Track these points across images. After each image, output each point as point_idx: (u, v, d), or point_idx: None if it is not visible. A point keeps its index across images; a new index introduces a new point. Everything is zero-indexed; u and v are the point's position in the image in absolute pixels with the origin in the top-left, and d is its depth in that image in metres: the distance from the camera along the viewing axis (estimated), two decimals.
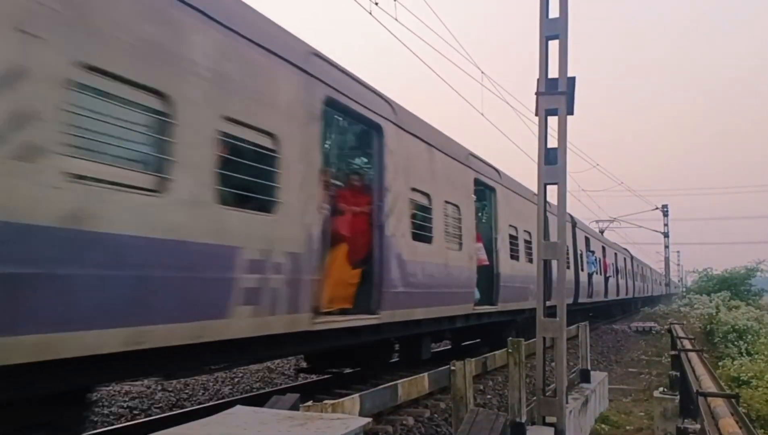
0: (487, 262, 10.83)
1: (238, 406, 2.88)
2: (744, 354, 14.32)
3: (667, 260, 55.46)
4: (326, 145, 7.27)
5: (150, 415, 8.06)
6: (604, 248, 26.47)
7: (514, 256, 12.35)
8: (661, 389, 9.70)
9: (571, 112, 6.84)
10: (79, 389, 4.28)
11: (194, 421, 2.77)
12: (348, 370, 9.50)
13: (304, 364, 9.74)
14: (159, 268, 4.04)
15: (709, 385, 6.52)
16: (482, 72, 14.28)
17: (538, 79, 6.90)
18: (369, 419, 2.72)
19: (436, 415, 7.79)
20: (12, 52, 3.25)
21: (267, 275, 4.96)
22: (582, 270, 19.62)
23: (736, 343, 16.30)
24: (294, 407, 3.18)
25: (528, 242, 13.42)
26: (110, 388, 9.47)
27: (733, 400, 5.63)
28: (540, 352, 6.79)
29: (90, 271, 3.58)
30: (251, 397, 8.26)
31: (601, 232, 38.12)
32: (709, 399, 5.68)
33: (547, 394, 6.80)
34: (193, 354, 4.45)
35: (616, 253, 30.60)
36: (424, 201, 8.26)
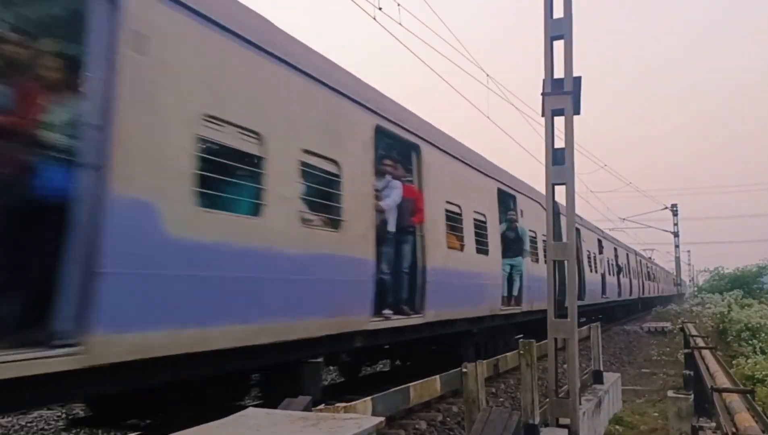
0: None
1: (251, 408, 2.88)
2: (758, 352, 14.17)
3: (677, 260, 55.22)
4: None
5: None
6: (599, 241, 23.31)
7: (456, 246, 9.49)
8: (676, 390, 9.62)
9: (577, 112, 6.83)
10: None
11: (207, 423, 2.78)
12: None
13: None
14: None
15: (723, 382, 6.46)
16: (487, 75, 14.31)
17: (543, 80, 6.89)
18: (382, 418, 2.71)
19: (448, 419, 7.77)
20: None
21: None
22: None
23: (749, 341, 16.12)
24: (306, 409, 3.18)
25: (482, 227, 10.66)
26: None
27: (748, 396, 5.59)
28: (552, 353, 6.75)
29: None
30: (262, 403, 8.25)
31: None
32: (724, 395, 5.63)
33: (560, 395, 6.75)
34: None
35: (615, 248, 27.15)
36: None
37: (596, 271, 21.83)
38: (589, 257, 20.10)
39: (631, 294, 30.69)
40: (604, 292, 22.46)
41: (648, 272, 41.29)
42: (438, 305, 8.54)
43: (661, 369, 15.16)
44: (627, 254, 31.28)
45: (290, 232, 5.68)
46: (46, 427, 7.79)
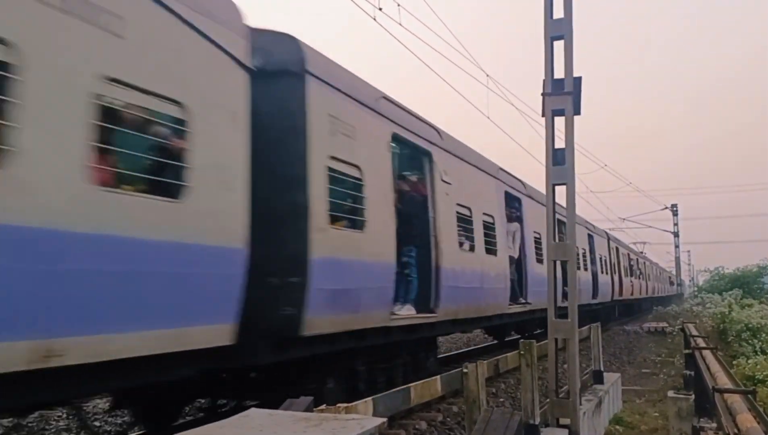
0: None
1: (253, 409, 2.88)
2: (759, 352, 14.18)
3: (677, 260, 55.28)
4: None
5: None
6: (517, 200, 12.84)
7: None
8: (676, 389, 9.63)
9: (578, 112, 6.83)
10: None
11: (209, 424, 2.78)
12: None
13: None
14: None
15: (724, 382, 6.47)
16: (487, 75, 14.32)
17: (543, 80, 6.90)
18: (384, 419, 2.71)
19: (449, 419, 7.78)
20: None
21: None
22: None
23: (750, 341, 16.14)
24: (308, 410, 3.18)
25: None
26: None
27: (749, 396, 5.59)
28: (552, 353, 6.75)
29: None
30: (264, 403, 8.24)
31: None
32: (725, 396, 5.63)
33: (560, 395, 6.76)
34: None
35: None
36: None
37: (497, 253, 10.94)
38: (466, 221, 9.76)
39: (596, 296, 20.47)
40: (523, 293, 12.54)
41: (630, 266, 29.34)
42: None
43: (661, 369, 15.18)
44: (590, 236, 20.78)
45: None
46: (47, 427, 7.79)
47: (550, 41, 6.88)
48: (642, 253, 40.24)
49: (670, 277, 57.22)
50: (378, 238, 7.10)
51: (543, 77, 6.87)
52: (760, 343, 15.51)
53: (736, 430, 4.53)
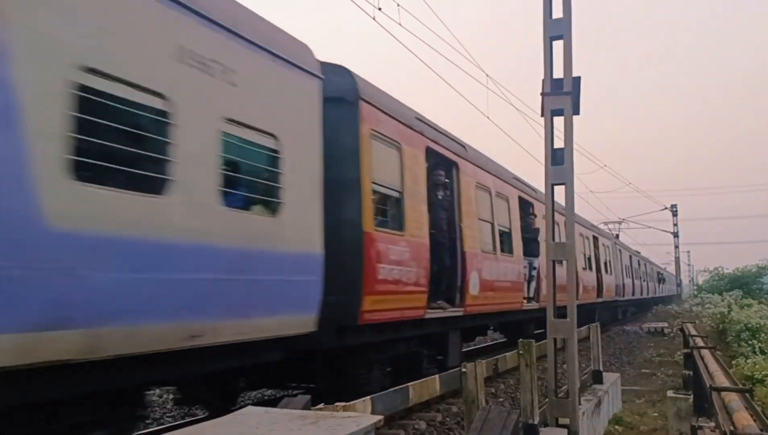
0: None
1: (250, 407, 2.89)
2: (758, 352, 14.19)
3: (677, 260, 55.25)
4: None
5: (162, 424, 8.09)
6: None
7: None
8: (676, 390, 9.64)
9: (576, 112, 6.83)
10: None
11: (206, 422, 2.79)
12: None
13: None
14: None
15: (722, 381, 6.48)
16: (487, 75, 14.35)
17: (543, 80, 6.90)
18: (380, 417, 2.72)
19: (448, 419, 7.77)
20: None
21: None
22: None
23: (749, 341, 16.14)
24: (305, 408, 3.18)
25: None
26: None
27: (747, 395, 5.60)
28: (551, 353, 6.75)
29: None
30: (263, 402, 8.26)
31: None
32: (723, 394, 5.64)
33: (559, 395, 6.76)
34: None
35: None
36: None
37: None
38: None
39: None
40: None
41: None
42: None
43: (661, 369, 15.17)
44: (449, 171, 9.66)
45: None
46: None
47: (549, 41, 6.88)
48: (616, 236, 30.07)
49: (659, 273, 45.17)
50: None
51: (542, 77, 6.88)
52: (759, 343, 15.50)
53: (732, 428, 4.54)
